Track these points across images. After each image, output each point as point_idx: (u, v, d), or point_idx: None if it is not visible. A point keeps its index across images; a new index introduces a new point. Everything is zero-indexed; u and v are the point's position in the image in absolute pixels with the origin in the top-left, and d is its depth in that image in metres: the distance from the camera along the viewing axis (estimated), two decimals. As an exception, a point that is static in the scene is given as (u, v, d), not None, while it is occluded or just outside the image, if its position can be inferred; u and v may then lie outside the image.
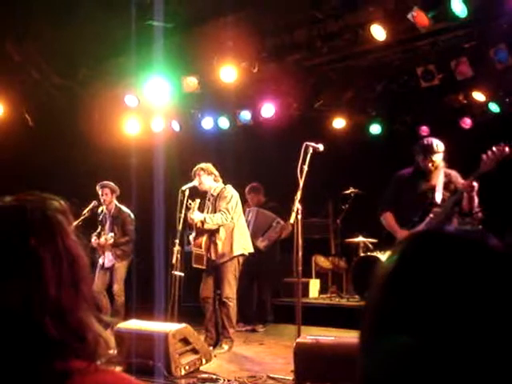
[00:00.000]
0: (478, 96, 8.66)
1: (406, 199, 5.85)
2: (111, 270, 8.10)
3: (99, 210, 8.27)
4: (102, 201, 8.12)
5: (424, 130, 9.67)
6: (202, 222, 6.65)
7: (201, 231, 6.78)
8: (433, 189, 5.67)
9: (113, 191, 8.17)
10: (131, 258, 8.25)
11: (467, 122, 9.31)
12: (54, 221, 1.15)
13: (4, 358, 1.03)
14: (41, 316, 1.05)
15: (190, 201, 6.72)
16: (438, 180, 5.70)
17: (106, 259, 8.05)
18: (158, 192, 8.35)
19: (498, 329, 0.78)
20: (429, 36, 7.31)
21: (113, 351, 5.58)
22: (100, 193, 8.09)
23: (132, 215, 8.26)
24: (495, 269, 0.82)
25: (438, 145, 5.74)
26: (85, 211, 7.61)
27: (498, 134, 8.29)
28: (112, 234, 7.99)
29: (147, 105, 9.43)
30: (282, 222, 8.39)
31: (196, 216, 6.66)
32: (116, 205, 8.23)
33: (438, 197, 5.61)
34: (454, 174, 5.81)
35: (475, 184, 5.33)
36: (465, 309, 0.79)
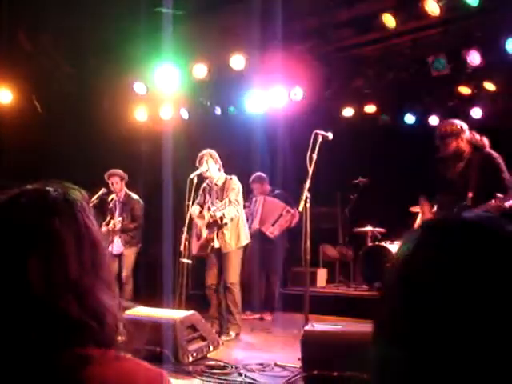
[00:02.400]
0: (489, 86, 8.59)
1: (439, 186, 5.61)
2: (120, 256, 8.13)
3: (109, 198, 8.30)
4: (112, 189, 8.16)
5: (434, 119, 9.61)
6: (221, 219, 6.67)
7: (212, 225, 6.79)
8: (461, 176, 5.31)
9: (122, 178, 8.22)
10: (140, 245, 8.27)
11: (477, 113, 9.24)
12: (77, 204, 1.17)
13: (23, 340, 1.03)
14: (62, 295, 1.06)
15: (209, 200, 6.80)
16: (467, 166, 5.31)
17: (115, 246, 8.07)
18: (167, 179, 8.37)
19: None
20: (440, 25, 7.26)
21: (121, 338, 5.60)
22: (110, 182, 8.12)
23: (141, 202, 8.29)
24: None
25: (444, 127, 5.37)
26: (93, 198, 7.62)
27: (509, 124, 8.27)
28: (120, 219, 8.02)
29: (156, 92, 9.42)
30: (291, 211, 8.35)
31: (217, 214, 6.69)
32: (126, 191, 8.28)
33: (467, 188, 5.21)
34: (490, 158, 5.27)
35: (507, 205, 4.88)
36: (479, 301, 0.76)
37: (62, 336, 1.05)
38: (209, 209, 6.78)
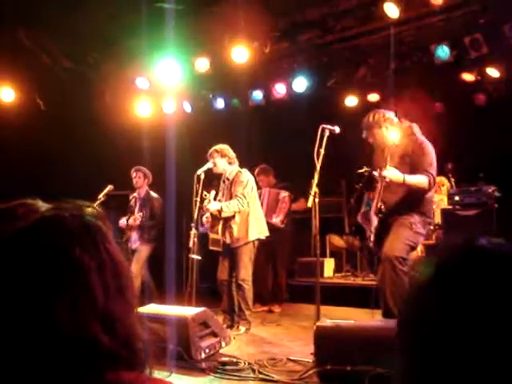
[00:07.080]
0: (492, 72, 8.56)
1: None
2: (134, 251, 8.18)
3: (130, 197, 8.45)
4: (134, 183, 8.29)
5: (438, 106, 9.59)
6: (219, 211, 6.66)
7: (217, 218, 6.78)
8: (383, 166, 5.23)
9: (145, 176, 8.31)
10: (154, 244, 8.25)
11: (481, 99, 9.21)
12: (95, 227, 1.12)
13: (56, 373, 1.01)
14: (90, 326, 1.03)
15: (205, 192, 6.72)
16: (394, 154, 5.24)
17: (132, 241, 8.13)
18: (170, 174, 8.37)
19: None
20: (442, 12, 7.23)
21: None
22: (134, 175, 8.27)
23: (161, 200, 8.31)
24: None
25: (367, 117, 5.44)
26: (100, 195, 7.62)
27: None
28: (140, 214, 8.07)
29: (159, 86, 9.41)
30: (286, 193, 8.37)
31: (212, 206, 6.67)
32: (147, 190, 8.36)
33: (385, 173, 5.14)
34: (416, 144, 5.19)
35: (387, 175, 4.85)
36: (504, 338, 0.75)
37: (94, 364, 1.02)
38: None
